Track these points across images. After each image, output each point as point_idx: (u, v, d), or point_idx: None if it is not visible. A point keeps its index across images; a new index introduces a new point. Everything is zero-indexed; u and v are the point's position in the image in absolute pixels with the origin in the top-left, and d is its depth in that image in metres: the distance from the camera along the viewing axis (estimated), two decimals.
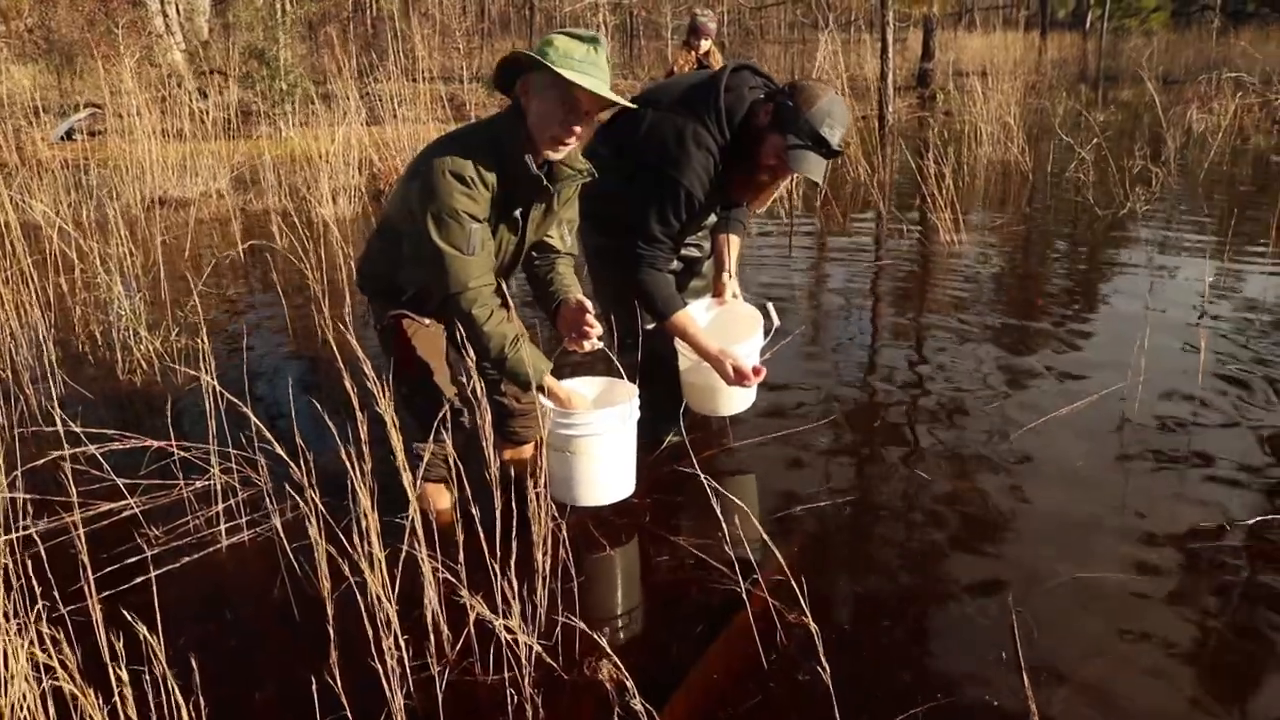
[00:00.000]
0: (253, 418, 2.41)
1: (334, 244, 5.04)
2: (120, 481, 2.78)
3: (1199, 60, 17.38)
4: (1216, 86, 11.91)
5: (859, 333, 4.54)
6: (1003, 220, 6.72)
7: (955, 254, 5.85)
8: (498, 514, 2.11)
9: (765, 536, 2.36)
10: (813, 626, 1.96)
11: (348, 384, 2.11)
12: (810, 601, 2.18)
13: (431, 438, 2.48)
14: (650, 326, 3.24)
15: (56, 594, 1.88)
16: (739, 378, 2.89)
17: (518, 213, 2.57)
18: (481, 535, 2.09)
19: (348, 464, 2.02)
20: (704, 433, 3.36)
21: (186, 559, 2.65)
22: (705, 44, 7.36)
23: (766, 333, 3.22)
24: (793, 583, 2.08)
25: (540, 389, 2.56)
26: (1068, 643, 2.30)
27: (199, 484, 2.92)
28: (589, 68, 2.38)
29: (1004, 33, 19.73)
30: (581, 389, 2.79)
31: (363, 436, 2.05)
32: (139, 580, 2.49)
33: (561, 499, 2.59)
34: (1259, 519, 2.78)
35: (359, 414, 2.07)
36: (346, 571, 2.09)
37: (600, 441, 2.57)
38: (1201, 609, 2.43)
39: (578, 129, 2.46)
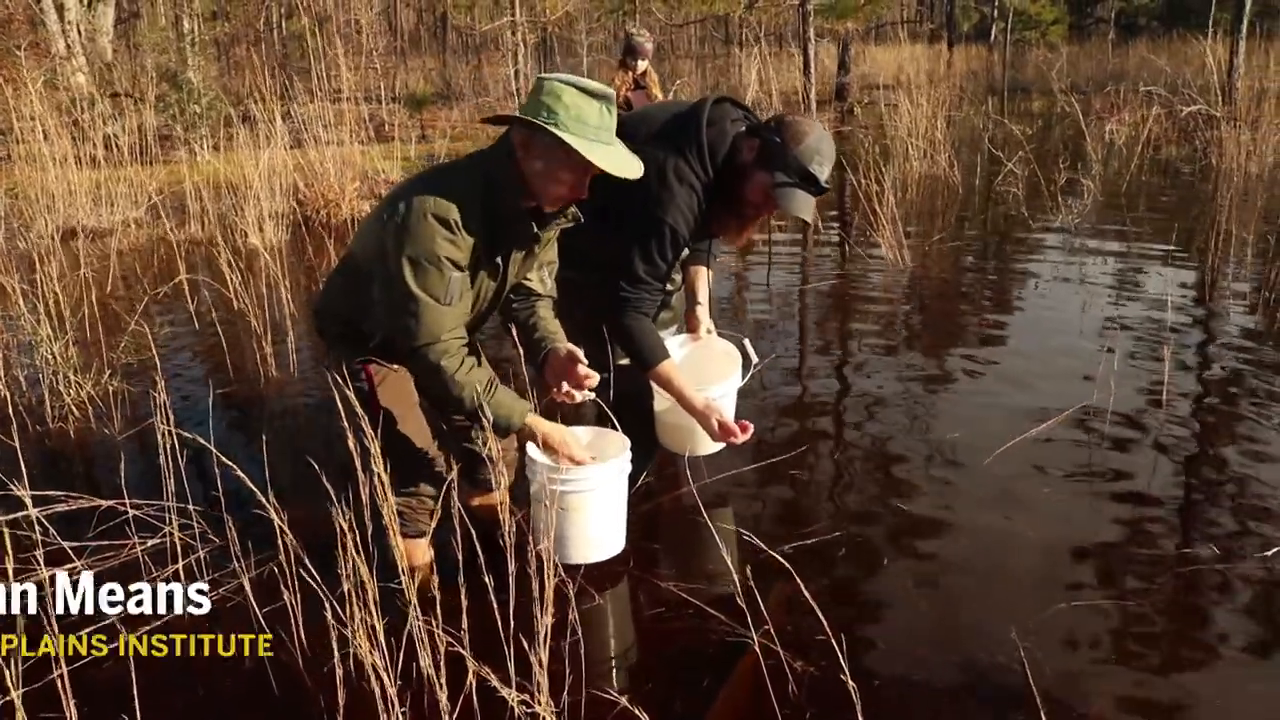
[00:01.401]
0: (223, 460, 2.23)
1: (267, 274, 4.83)
2: (67, 545, 2.58)
3: (1099, 71, 17.88)
4: (1124, 97, 12.22)
5: (818, 358, 4.49)
6: (941, 236, 6.75)
7: (901, 272, 5.84)
8: (479, 563, 1.98)
9: (750, 582, 2.27)
10: (851, 684, 1.86)
11: (351, 444, 1.95)
12: (816, 649, 2.09)
13: (407, 487, 2.34)
14: (624, 362, 3.13)
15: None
16: (724, 434, 2.76)
17: (499, 258, 2.42)
18: (473, 594, 1.96)
19: (338, 525, 1.88)
20: (673, 468, 3.26)
21: (145, 629, 2.46)
22: (642, 64, 7.28)
23: (745, 369, 3.14)
24: (831, 640, 1.98)
25: (521, 430, 2.43)
26: (1075, 674, 2.26)
27: (151, 542, 2.72)
28: (605, 134, 2.26)
29: (912, 45, 20.08)
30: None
31: (343, 489, 1.90)
32: (93, 656, 2.30)
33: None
34: (1238, 534, 2.78)
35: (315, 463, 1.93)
36: (333, 642, 1.93)
37: (594, 497, 2.45)
38: (1198, 628, 2.42)
39: (584, 192, 2.34)
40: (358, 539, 1.85)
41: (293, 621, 2.23)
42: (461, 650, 1.85)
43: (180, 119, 10.23)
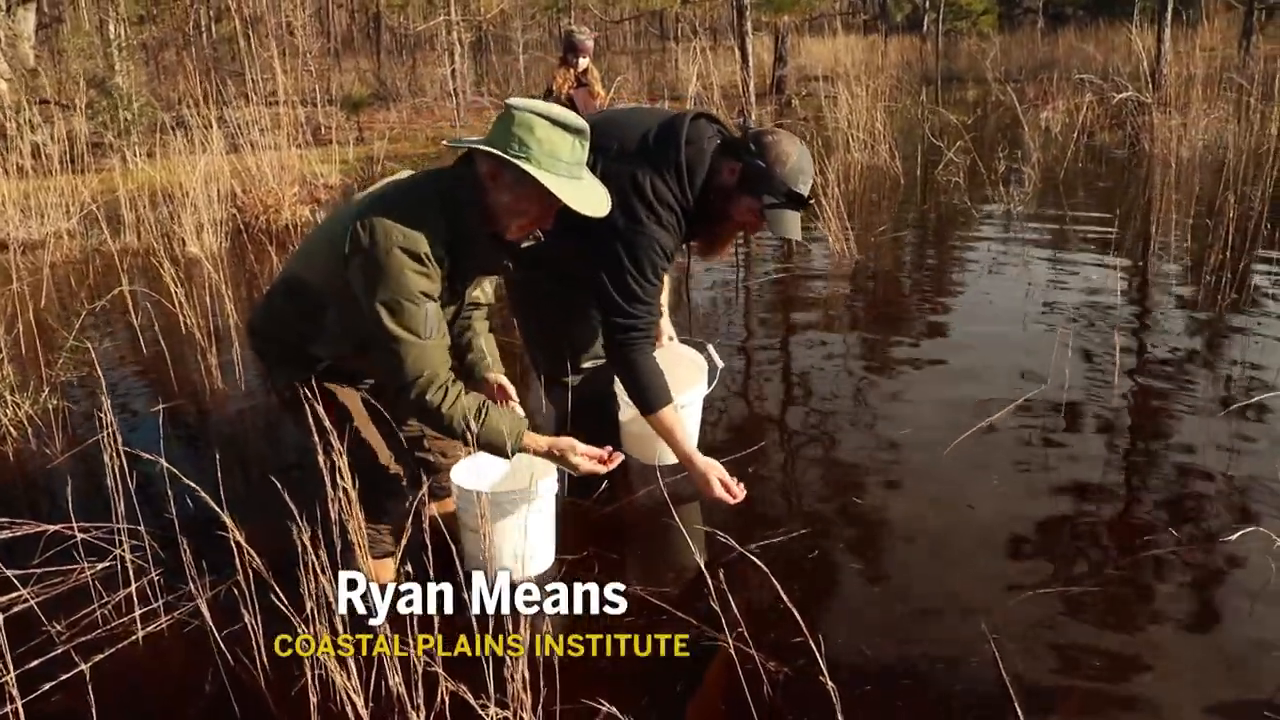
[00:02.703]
0: (181, 479, 2.15)
1: (208, 282, 4.72)
2: (12, 573, 2.49)
3: (1030, 60, 18.11)
4: (1057, 85, 12.37)
5: (767, 354, 4.48)
6: (885, 227, 6.79)
7: (848, 264, 5.86)
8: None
9: (723, 585, 2.24)
10: (830, 685, 1.84)
11: (320, 461, 1.89)
12: (790, 649, 2.07)
13: (371, 506, 2.27)
14: (587, 366, 3.09)
15: None
16: (724, 492, 2.72)
17: (459, 284, 2.37)
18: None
19: (299, 542, 1.82)
20: (628, 471, 3.22)
21: (99, 656, 2.37)
22: (583, 61, 7.23)
23: (711, 375, 3.12)
24: (809, 640, 1.96)
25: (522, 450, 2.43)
26: (1047, 662, 2.28)
27: (101, 565, 2.63)
28: (576, 169, 2.23)
29: (846, 36, 20.19)
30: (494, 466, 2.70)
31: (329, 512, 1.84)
32: (47, 686, 2.22)
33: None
34: (1194, 517, 2.82)
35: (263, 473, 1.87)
36: (304, 664, 1.87)
37: (506, 523, 2.46)
38: (1158, 610, 2.45)
39: (549, 224, 2.32)
40: (320, 556, 1.79)
41: (254, 643, 2.17)
42: (435, 667, 1.80)
43: (111, 126, 9.98)
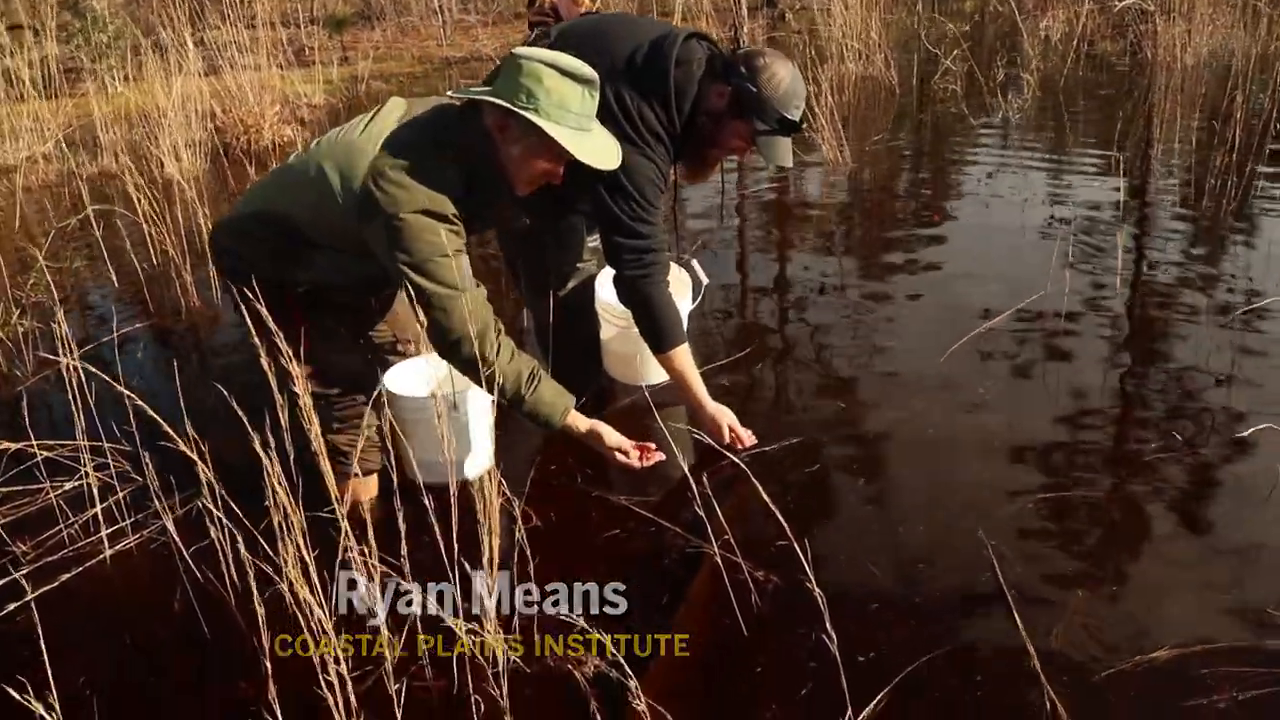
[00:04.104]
0: (129, 397, 2.03)
1: (184, 202, 4.58)
2: None
3: None
4: None
5: (760, 266, 4.36)
6: (880, 136, 6.61)
7: (842, 173, 5.71)
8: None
9: (708, 491, 2.16)
10: (817, 592, 1.76)
11: (264, 363, 1.78)
12: (778, 558, 2.00)
13: (346, 415, 2.18)
14: (572, 284, 2.97)
15: None
16: (734, 442, 2.63)
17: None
18: (412, 520, 1.82)
19: (259, 451, 1.72)
20: (613, 382, 3.15)
21: (65, 575, 2.30)
22: None
23: (695, 292, 3.01)
24: (794, 545, 1.87)
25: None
26: (1044, 569, 2.21)
27: (69, 485, 2.55)
28: (586, 121, 2.12)
29: None
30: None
31: (274, 420, 1.75)
32: (13, 607, 2.15)
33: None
34: (1192, 421, 2.74)
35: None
36: (266, 571, 1.78)
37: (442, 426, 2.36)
38: (1161, 514, 2.39)
39: (559, 178, 2.22)
40: (279, 468, 1.69)
41: (222, 560, 2.09)
42: (402, 580, 1.71)
43: (86, 49, 9.70)
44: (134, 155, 6.24)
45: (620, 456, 2.41)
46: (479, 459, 2.58)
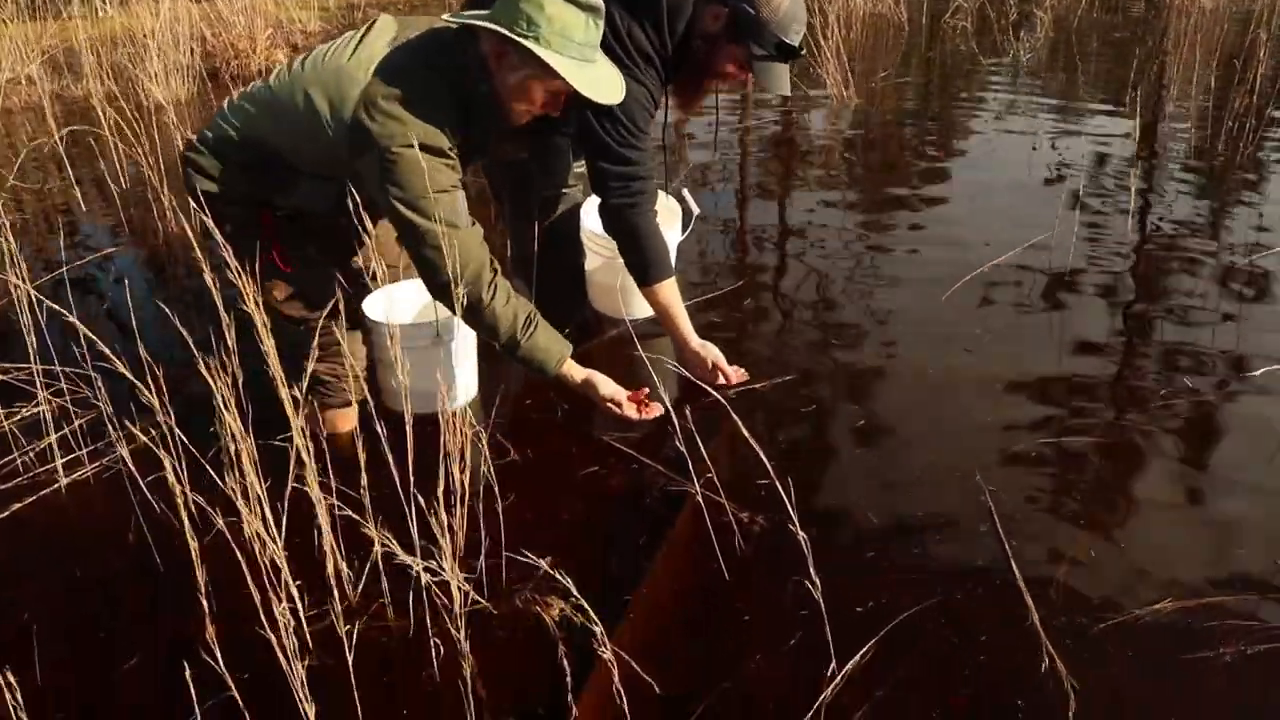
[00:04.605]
0: (79, 326, 1.91)
1: (169, 126, 4.42)
2: None
3: None
4: None
5: (760, 202, 4.23)
6: (887, 73, 6.43)
7: (846, 108, 5.54)
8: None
9: (690, 426, 2.04)
10: (800, 535, 1.65)
11: (208, 280, 1.65)
12: (764, 500, 1.89)
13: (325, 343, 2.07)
14: (559, 211, 2.84)
15: None
16: (720, 379, 2.51)
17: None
18: (384, 456, 1.71)
19: (206, 375, 1.61)
20: (598, 315, 3.03)
21: (18, 504, 2.19)
22: None
23: (685, 222, 2.87)
24: (777, 484, 1.75)
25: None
26: (1043, 517, 2.10)
27: (25, 412, 2.44)
28: (589, 51, 1.96)
29: None
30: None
31: (230, 345, 1.63)
32: None
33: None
34: (1195, 367, 2.61)
35: (225, 318, 1.65)
36: (215, 512, 1.67)
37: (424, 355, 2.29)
38: (1162, 464, 2.29)
39: (558, 109, 2.08)
40: (229, 394, 1.58)
41: (177, 492, 1.97)
42: (353, 515, 1.60)
43: None
44: (119, 79, 6.07)
45: (614, 409, 2.29)
46: (461, 389, 2.47)
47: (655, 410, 2.28)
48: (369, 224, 1.90)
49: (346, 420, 2.40)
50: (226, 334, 1.62)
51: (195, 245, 1.70)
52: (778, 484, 1.74)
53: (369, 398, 1.84)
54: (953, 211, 3.88)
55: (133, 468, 2.08)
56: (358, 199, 1.88)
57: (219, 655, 1.35)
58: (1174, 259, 3.36)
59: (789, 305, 3.12)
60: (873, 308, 3.04)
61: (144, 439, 1.67)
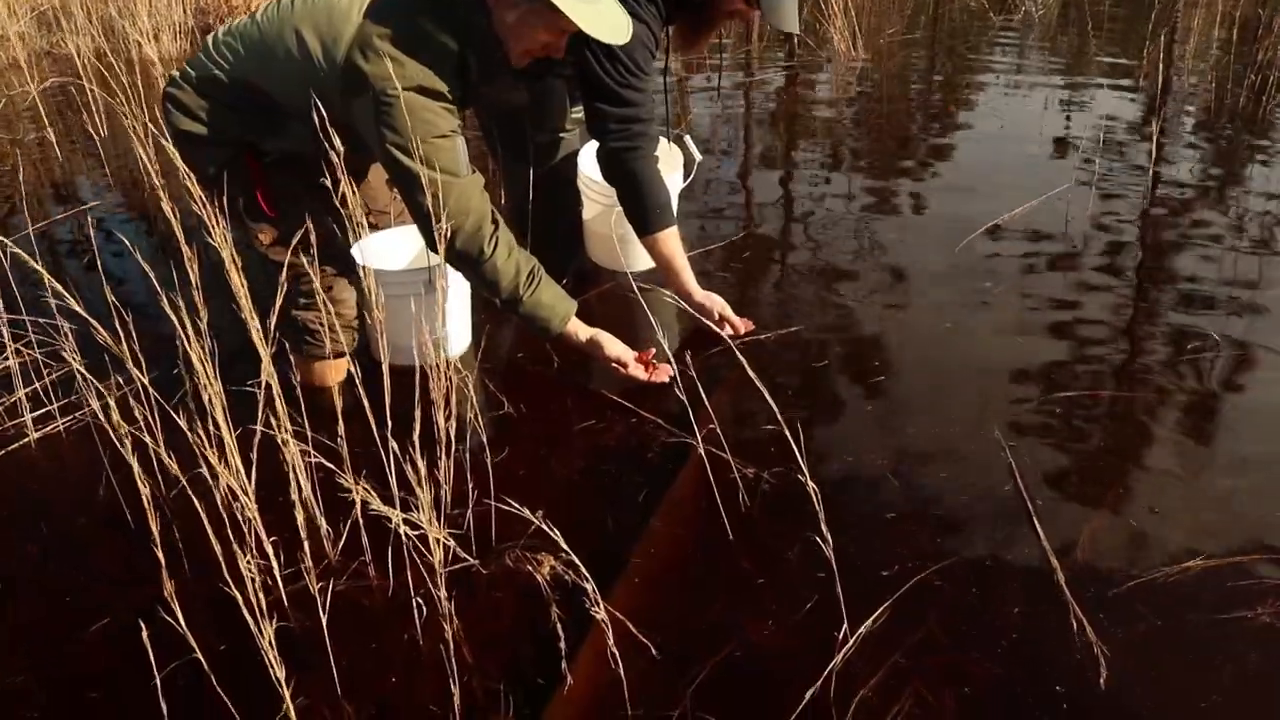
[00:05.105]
0: (47, 277, 1.79)
1: (147, 79, 4.29)
2: None
3: None
4: None
5: (763, 157, 4.09)
6: (896, 30, 6.26)
7: (853, 66, 5.38)
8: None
9: (692, 374, 1.93)
10: (811, 487, 1.54)
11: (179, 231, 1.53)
12: (770, 454, 1.77)
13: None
14: (556, 158, 2.71)
15: None
16: (725, 328, 2.41)
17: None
18: (367, 406, 1.60)
19: (175, 321, 1.49)
20: (597, 266, 2.90)
21: None
22: None
23: (687, 169, 2.74)
24: (788, 435, 1.63)
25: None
26: (1066, 474, 1.98)
27: None
28: None
29: None
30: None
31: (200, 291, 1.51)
32: None
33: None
34: (1210, 326, 2.50)
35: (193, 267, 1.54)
36: (179, 466, 1.55)
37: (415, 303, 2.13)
38: (1190, 419, 2.17)
39: (561, 51, 1.97)
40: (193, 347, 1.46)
41: (151, 447, 1.86)
42: (329, 465, 1.49)
43: None
44: (110, 36, 5.94)
45: (620, 369, 2.18)
46: (454, 340, 2.37)
47: (665, 373, 2.17)
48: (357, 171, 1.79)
49: (337, 372, 2.29)
50: (190, 271, 1.50)
51: (193, 190, 1.57)
52: (787, 433, 1.62)
53: (382, 349, 1.73)
54: (963, 166, 3.75)
55: (104, 420, 1.97)
56: (339, 147, 1.76)
57: (179, 614, 1.24)
58: (1190, 214, 3.23)
59: (794, 257, 3.00)
60: (882, 260, 2.92)
61: (109, 394, 1.56)
